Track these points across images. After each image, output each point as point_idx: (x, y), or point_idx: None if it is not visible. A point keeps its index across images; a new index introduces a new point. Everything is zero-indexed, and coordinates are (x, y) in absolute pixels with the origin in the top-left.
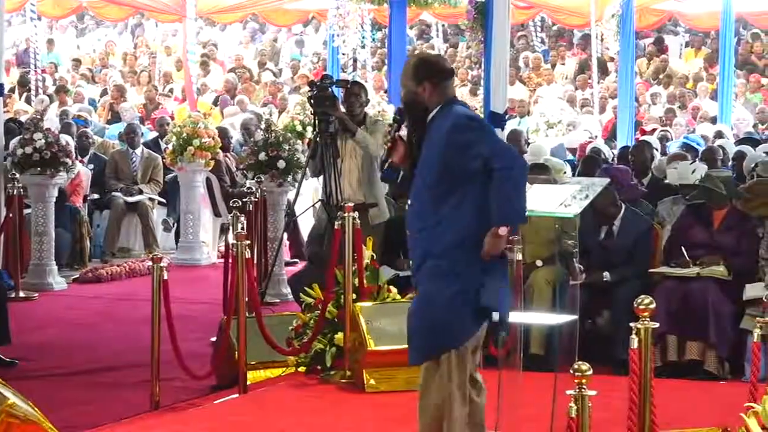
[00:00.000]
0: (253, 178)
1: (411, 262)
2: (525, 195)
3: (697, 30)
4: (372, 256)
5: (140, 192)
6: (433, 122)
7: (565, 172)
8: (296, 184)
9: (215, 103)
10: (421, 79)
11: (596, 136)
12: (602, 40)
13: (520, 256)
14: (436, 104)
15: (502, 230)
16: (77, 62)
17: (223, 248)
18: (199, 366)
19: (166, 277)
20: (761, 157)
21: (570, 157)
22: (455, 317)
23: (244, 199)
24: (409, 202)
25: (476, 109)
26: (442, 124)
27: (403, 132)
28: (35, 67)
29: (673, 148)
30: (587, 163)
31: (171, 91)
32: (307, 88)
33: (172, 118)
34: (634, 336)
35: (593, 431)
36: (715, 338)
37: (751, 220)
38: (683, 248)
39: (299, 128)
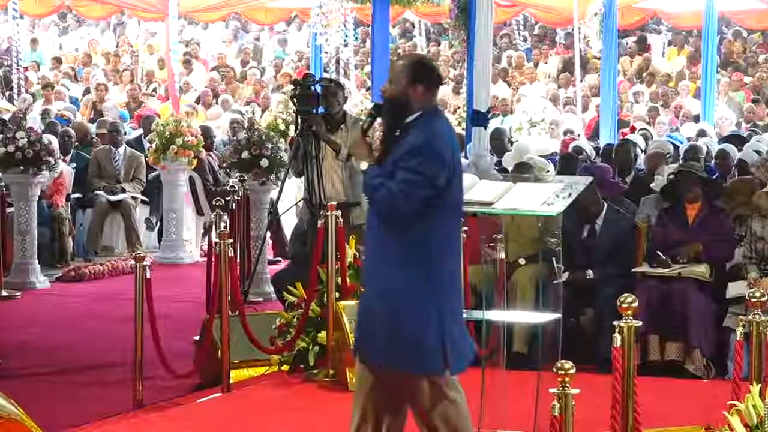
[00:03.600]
0: (236, 177)
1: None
2: (378, 207)
3: (680, 29)
4: (355, 254)
5: (123, 191)
6: (412, 128)
7: (548, 171)
8: (279, 183)
9: (197, 101)
10: (416, 80)
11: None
12: (585, 38)
13: (503, 255)
14: (419, 109)
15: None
16: (58, 61)
17: (206, 247)
18: (182, 365)
19: (149, 276)
20: (750, 156)
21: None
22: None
23: (227, 198)
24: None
25: (459, 108)
26: (417, 135)
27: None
28: (17, 66)
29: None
30: (565, 161)
31: (155, 90)
32: (290, 87)
33: (158, 117)
34: (617, 334)
35: (577, 430)
36: (696, 338)
37: (723, 213)
38: (660, 251)
39: (282, 127)
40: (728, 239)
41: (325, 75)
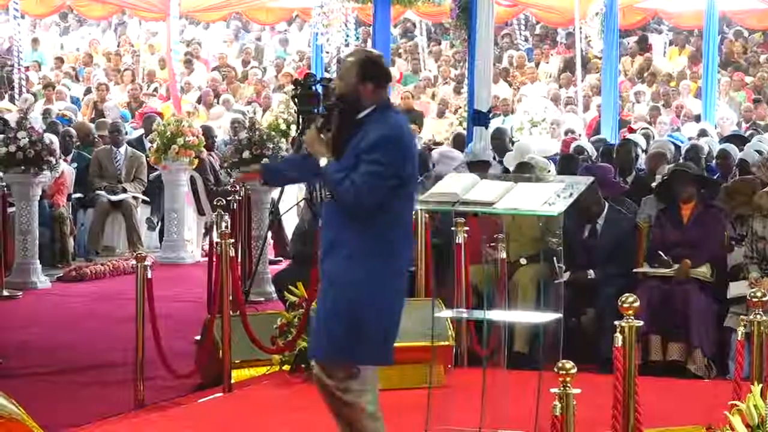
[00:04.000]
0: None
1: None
2: (342, 200)
3: (681, 28)
4: None
5: (124, 191)
6: (366, 124)
7: (549, 171)
8: None
9: (199, 100)
10: (366, 77)
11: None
12: (586, 38)
13: (504, 254)
14: (371, 105)
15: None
16: (60, 61)
17: (207, 247)
18: (184, 365)
19: (150, 276)
20: (751, 155)
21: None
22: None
23: (228, 198)
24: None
25: (460, 108)
26: (376, 128)
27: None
28: (19, 66)
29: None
30: (565, 161)
31: (156, 90)
32: (291, 87)
33: (161, 116)
34: (618, 334)
35: (578, 430)
36: (698, 338)
37: (717, 210)
38: (661, 252)
39: (283, 127)
40: (719, 238)
41: (326, 75)
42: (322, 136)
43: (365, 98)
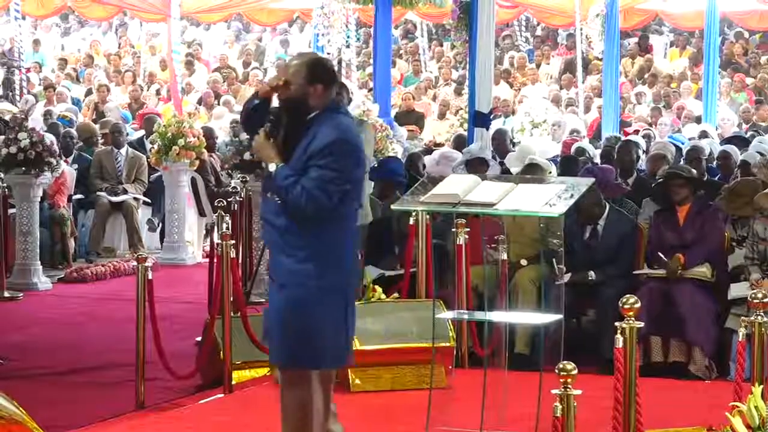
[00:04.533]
0: (238, 178)
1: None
2: (293, 205)
3: (682, 29)
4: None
5: (125, 192)
6: (314, 126)
7: (550, 172)
8: None
9: (199, 101)
10: (315, 79)
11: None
12: (587, 39)
13: (505, 256)
14: (320, 107)
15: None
16: (63, 62)
17: (208, 248)
18: (184, 366)
19: (150, 277)
20: (753, 156)
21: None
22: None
23: (229, 199)
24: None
25: (461, 109)
26: (326, 131)
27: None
28: (20, 67)
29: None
30: (566, 163)
31: (158, 91)
32: None
33: (160, 116)
34: (619, 335)
35: (578, 431)
36: (698, 338)
37: (714, 210)
38: (660, 253)
39: None
40: (717, 238)
41: None
42: (271, 140)
43: (316, 101)
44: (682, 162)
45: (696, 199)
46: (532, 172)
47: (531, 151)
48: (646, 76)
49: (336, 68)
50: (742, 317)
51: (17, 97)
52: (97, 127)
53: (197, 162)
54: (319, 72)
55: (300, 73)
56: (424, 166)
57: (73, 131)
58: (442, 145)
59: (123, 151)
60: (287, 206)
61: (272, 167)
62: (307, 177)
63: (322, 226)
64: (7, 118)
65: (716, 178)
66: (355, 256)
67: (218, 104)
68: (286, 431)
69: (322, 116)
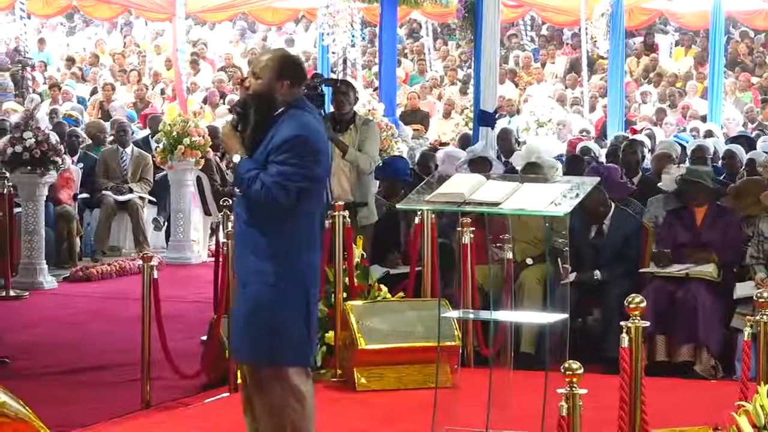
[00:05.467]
0: None
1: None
2: (252, 199)
3: (687, 29)
4: (362, 254)
5: (130, 191)
6: (278, 122)
7: (556, 170)
8: None
9: (204, 101)
10: (282, 75)
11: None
12: (592, 39)
13: (510, 255)
14: (286, 103)
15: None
16: (71, 61)
17: (213, 247)
18: (190, 365)
19: (156, 276)
20: (759, 155)
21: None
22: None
23: (234, 198)
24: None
25: (466, 108)
26: (287, 128)
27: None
28: (34, 65)
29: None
30: (572, 162)
31: (163, 91)
32: None
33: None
34: (624, 335)
35: (584, 430)
36: (704, 338)
37: (733, 213)
38: (667, 251)
39: None
40: (736, 242)
41: (333, 75)
42: (237, 132)
43: (281, 96)
44: (687, 162)
45: (713, 201)
46: (533, 172)
47: (537, 150)
48: (651, 75)
49: (305, 66)
50: (748, 316)
51: (25, 95)
52: (107, 125)
53: (202, 161)
54: (287, 68)
55: (268, 68)
56: (437, 166)
57: (79, 130)
58: (448, 144)
59: (128, 150)
60: (248, 199)
61: (236, 158)
62: (267, 172)
63: (283, 225)
64: (13, 117)
65: (721, 178)
66: (317, 257)
67: (223, 103)
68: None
69: (286, 113)
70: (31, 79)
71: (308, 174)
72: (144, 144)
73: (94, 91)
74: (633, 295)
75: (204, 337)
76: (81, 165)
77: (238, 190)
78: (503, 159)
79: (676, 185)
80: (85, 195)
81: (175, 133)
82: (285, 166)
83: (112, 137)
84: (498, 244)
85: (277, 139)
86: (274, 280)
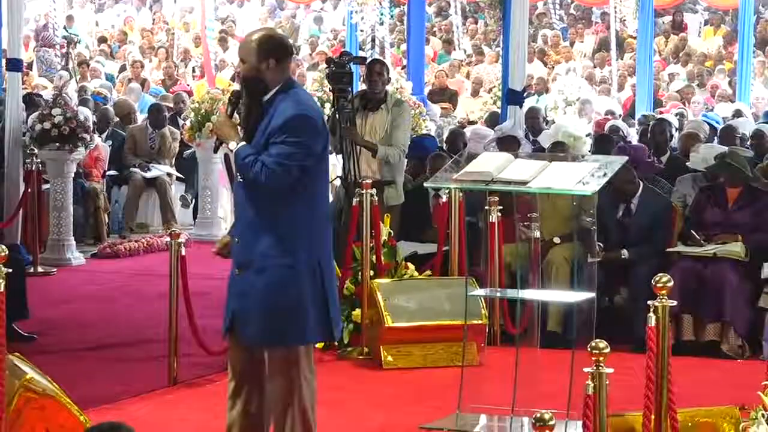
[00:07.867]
0: None
1: (236, 239)
2: (253, 182)
3: (716, 8)
4: (389, 233)
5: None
6: (273, 104)
7: (584, 141)
8: None
9: (233, 78)
10: (266, 55)
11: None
12: (621, 18)
13: (538, 234)
14: (277, 83)
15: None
16: (103, 40)
17: None
18: (217, 342)
19: (183, 253)
20: None
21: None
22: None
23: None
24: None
25: (494, 86)
26: (284, 108)
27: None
28: (79, 41)
29: (687, 127)
30: (601, 141)
31: (194, 69)
32: (324, 65)
33: (190, 94)
34: (651, 314)
35: (611, 408)
36: (731, 318)
37: (764, 196)
38: (695, 231)
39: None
40: (767, 225)
41: (361, 53)
42: (233, 120)
43: (271, 77)
44: (716, 141)
45: (746, 184)
46: (559, 150)
47: (566, 128)
48: (680, 54)
49: (291, 42)
50: None
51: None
52: (135, 105)
53: None
54: (271, 47)
55: (253, 50)
56: (465, 144)
57: (111, 109)
58: (476, 122)
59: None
60: (249, 184)
61: (232, 146)
62: (267, 153)
63: (291, 207)
64: (44, 93)
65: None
66: (327, 234)
67: None
68: (277, 413)
69: (280, 94)
70: (75, 55)
71: (308, 151)
72: (171, 121)
73: (122, 69)
74: (660, 274)
75: None
76: (110, 142)
77: (239, 177)
78: (531, 138)
79: (715, 162)
80: (113, 172)
81: (203, 111)
82: (285, 145)
83: (148, 118)
84: (525, 223)
85: (275, 122)
86: (289, 261)
